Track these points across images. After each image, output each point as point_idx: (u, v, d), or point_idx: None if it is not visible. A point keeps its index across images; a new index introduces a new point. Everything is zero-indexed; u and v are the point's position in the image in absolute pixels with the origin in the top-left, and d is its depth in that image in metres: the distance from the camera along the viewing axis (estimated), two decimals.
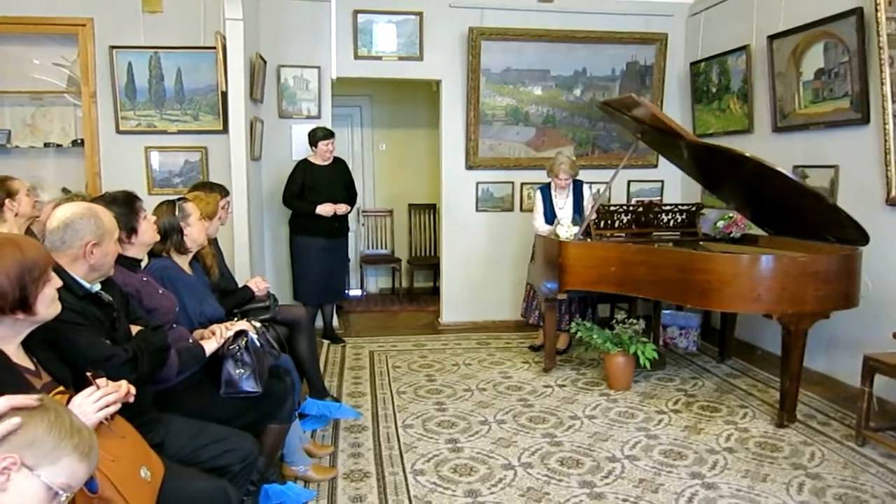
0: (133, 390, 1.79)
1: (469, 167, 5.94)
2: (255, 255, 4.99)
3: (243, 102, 4.61)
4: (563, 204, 5.07)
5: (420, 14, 5.67)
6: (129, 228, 2.51)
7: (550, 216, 5.06)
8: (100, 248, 2.08)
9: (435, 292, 7.13)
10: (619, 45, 5.89)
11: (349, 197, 5.41)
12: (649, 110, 4.17)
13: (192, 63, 5.24)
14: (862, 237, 3.73)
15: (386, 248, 7.67)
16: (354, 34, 5.63)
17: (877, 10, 3.79)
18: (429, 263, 7.51)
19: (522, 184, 5.98)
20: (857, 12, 4.00)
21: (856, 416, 3.51)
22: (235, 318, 2.82)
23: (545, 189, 5.15)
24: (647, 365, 4.24)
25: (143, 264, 2.73)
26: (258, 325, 2.76)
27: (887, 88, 3.80)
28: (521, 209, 6.01)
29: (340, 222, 5.36)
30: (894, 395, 3.84)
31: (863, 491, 3.01)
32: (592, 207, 4.66)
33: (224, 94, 4.79)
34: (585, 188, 5.09)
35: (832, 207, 3.79)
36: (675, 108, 6.06)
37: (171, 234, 2.87)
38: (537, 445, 3.53)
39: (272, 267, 5.67)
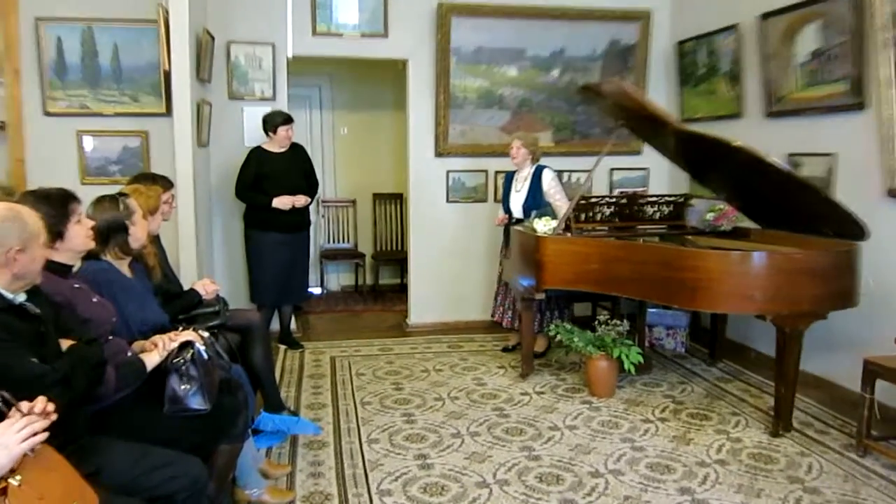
0: (51, 407, 1.71)
1: (438, 154, 5.90)
2: (203, 253, 4.90)
3: (189, 82, 4.50)
4: (521, 188, 5.08)
5: None
6: (54, 232, 2.35)
7: (507, 201, 5.16)
8: (25, 254, 1.99)
9: (402, 290, 7.08)
10: (599, 23, 5.87)
11: (309, 187, 5.33)
12: (632, 95, 4.17)
13: (130, 38, 5.10)
14: (861, 231, 3.78)
15: (348, 241, 7.61)
16: (312, 9, 5.52)
17: None
18: (395, 258, 7.47)
19: (496, 172, 5.93)
20: None
21: (856, 424, 3.56)
22: (181, 327, 2.74)
23: (510, 175, 5.22)
24: (632, 369, 4.26)
25: (75, 268, 2.62)
26: (206, 334, 2.71)
27: (889, 72, 3.83)
28: (496, 200, 5.98)
29: (300, 215, 5.28)
30: None
31: None
32: (574, 200, 4.64)
33: (167, 74, 4.66)
34: (546, 173, 5.04)
35: (828, 199, 3.83)
36: (661, 91, 6.09)
37: (114, 235, 2.77)
38: (514, 460, 3.51)
39: (223, 267, 5.58)
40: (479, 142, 5.94)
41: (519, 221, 5.03)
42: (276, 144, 5.17)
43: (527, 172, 5.08)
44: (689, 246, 4.37)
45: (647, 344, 5.09)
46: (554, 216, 4.68)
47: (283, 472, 3.35)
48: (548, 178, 5.03)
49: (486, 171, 5.99)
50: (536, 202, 4.97)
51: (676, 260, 3.83)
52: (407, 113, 5.94)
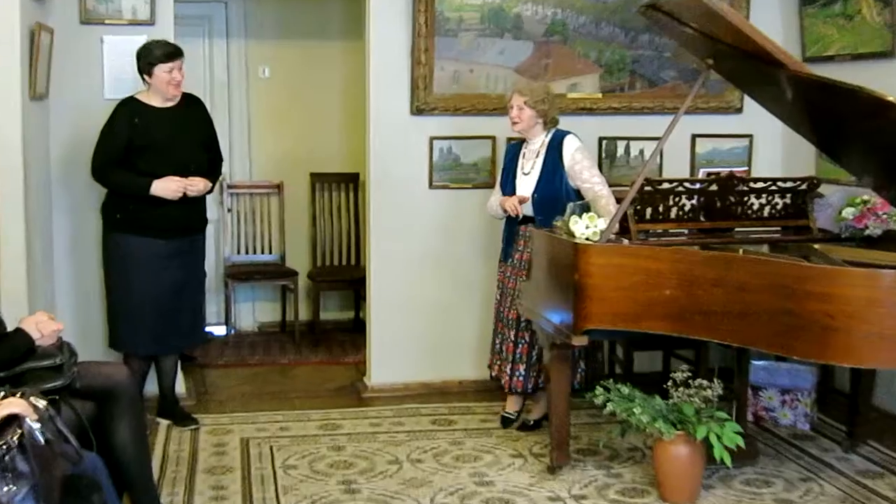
0: None
1: (418, 111, 5.96)
2: (38, 272, 4.94)
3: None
4: (530, 168, 5.17)
5: None
6: None
7: (511, 187, 5.22)
8: None
9: (357, 329, 7.11)
10: None
11: (210, 164, 5.39)
12: (726, 20, 4.22)
13: None
14: None
15: (271, 251, 7.64)
16: None
17: None
18: (347, 279, 7.50)
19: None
20: None
21: None
22: (2, 392, 2.77)
23: (515, 146, 5.34)
24: (727, 458, 4.26)
25: None
26: (43, 402, 2.73)
27: None
28: None
29: (195, 210, 5.35)
30: None
31: None
32: (634, 186, 4.67)
33: None
34: (569, 141, 5.13)
35: None
36: (773, 14, 6.17)
37: None
38: None
39: (70, 294, 5.61)
40: (481, 91, 6.00)
41: (528, 221, 5.10)
42: (157, 95, 5.18)
43: (538, 143, 5.17)
44: (816, 260, 4.42)
45: (750, 418, 5.14)
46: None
47: None
48: (570, 149, 5.10)
49: (492, 139, 6.05)
50: (555, 189, 5.04)
51: (797, 282, 3.87)
52: (367, 45, 5.99)
